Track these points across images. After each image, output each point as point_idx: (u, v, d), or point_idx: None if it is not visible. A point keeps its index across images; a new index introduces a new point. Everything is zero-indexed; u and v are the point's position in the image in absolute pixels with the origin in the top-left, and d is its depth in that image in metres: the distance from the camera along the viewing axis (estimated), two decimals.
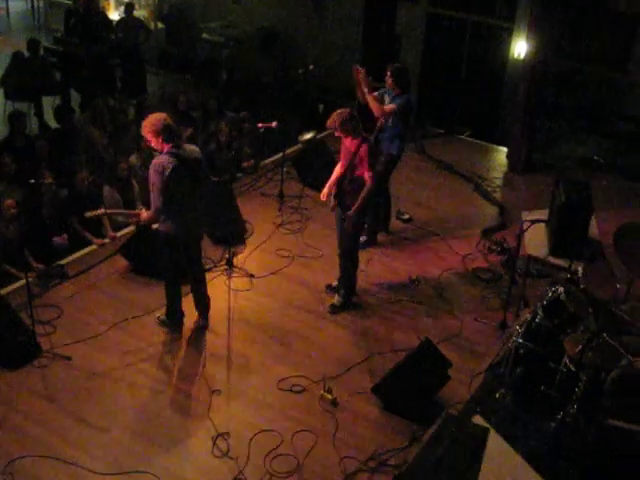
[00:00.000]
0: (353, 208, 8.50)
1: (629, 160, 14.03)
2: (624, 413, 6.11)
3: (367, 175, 8.45)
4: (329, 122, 8.52)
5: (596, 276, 7.82)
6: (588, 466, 6.26)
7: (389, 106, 9.80)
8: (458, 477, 5.09)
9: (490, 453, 5.72)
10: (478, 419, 6.90)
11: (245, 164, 12.39)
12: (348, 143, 8.55)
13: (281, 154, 11.73)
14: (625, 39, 15.47)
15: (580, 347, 6.43)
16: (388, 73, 9.81)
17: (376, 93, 9.89)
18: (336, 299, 9.18)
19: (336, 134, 8.66)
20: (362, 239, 10.07)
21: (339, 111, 8.50)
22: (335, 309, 9.12)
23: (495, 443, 6.08)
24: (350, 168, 8.54)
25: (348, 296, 9.14)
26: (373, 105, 9.65)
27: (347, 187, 8.60)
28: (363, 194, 8.46)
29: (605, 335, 6.78)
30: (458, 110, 16.34)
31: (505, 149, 14.08)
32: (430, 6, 16.23)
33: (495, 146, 14.66)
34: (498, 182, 13.11)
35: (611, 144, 14.69)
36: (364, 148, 8.40)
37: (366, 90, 9.56)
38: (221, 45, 17.60)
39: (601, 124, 15.33)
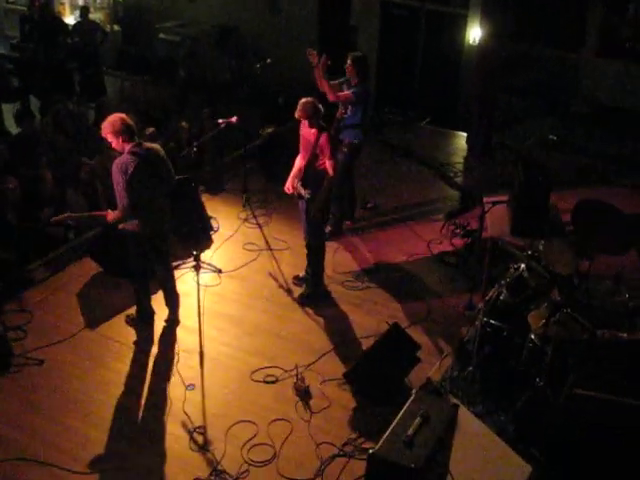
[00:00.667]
0: (317, 199, 8.59)
1: (587, 139, 14.28)
2: (589, 383, 6.26)
3: (328, 164, 8.55)
4: (299, 112, 8.58)
5: (557, 252, 7.94)
6: (555, 436, 6.40)
7: (345, 93, 9.89)
8: (430, 453, 5.20)
9: (461, 429, 5.83)
10: (448, 397, 7.04)
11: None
12: (307, 134, 8.64)
13: (243, 149, 11.78)
14: (578, 21, 15.70)
15: (543, 321, 6.57)
16: (349, 61, 9.88)
17: (335, 82, 9.99)
18: (304, 289, 9.28)
19: (307, 123, 8.66)
20: (327, 229, 10.19)
21: (307, 100, 8.55)
22: (304, 299, 9.21)
23: (466, 419, 6.21)
24: (312, 159, 8.63)
25: (316, 286, 9.24)
26: (328, 90, 9.72)
27: (310, 178, 8.68)
28: (326, 183, 8.56)
29: (568, 308, 6.92)
30: (417, 98, 16.49)
31: (465, 134, 14.22)
32: None
33: (455, 132, 14.82)
34: (459, 167, 13.26)
35: (568, 124, 14.91)
36: (324, 137, 8.50)
37: (322, 74, 9.63)
38: (178, 44, 17.59)
39: (558, 105, 15.54)
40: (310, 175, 8.68)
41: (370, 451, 5.21)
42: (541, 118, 14.96)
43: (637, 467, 6.01)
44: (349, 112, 9.98)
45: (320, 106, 8.57)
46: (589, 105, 15.43)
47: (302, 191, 8.70)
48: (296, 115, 8.65)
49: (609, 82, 15.39)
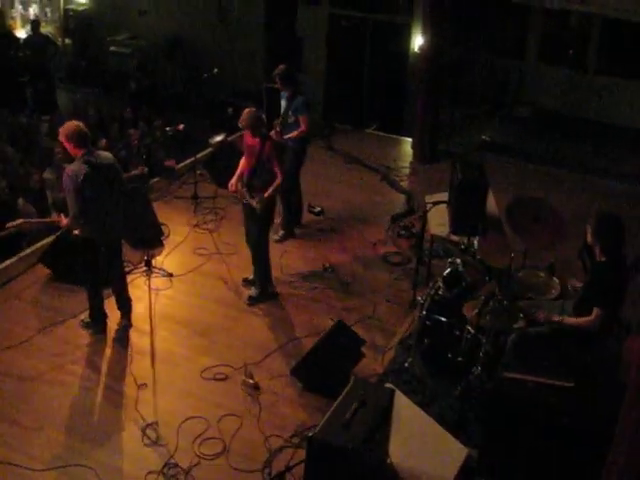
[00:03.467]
0: (266, 194, 8.89)
1: (528, 143, 14.71)
2: (520, 367, 6.59)
3: (277, 169, 8.91)
4: (242, 121, 8.94)
5: (491, 247, 8.29)
6: (490, 418, 6.72)
7: (303, 118, 10.32)
8: (367, 435, 5.49)
9: (398, 414, 6.15)
10: (386, 384, 7.32)
11: (167, 163, 12.76)
12: (250, 142, 8.98)
13: (193, 158, 12.05)
14: (519, 28, 16.16)
15: (476, 311, 6.90)
16: (277, 79, 10.30)
17: (278, 121, 10.45)
18: (252, 291, 9.54)
19: (245, 132, 9.05)
20: (280, 233, 10.71)
21: (250, 110, 8.95)
22: (252, 300, 9.48)
23: (402, 405, 6.50)
24: (258, 167, 8.95)
25: (263, 287, 9.51)
26: (299, 133, 10.33)
27: (257, 183, 8.99)
28: (275, 184, 8.92)
29: (501, 299, 7.27)
30: (364, 105, 16.83)
31: (410, 140, 14.56)
32: (331, 7, 16.69)
33: (401, 138, 15.15)
34: (405, 172, 13.61)
35: (512, 129, 15.35)
36: (268, 145, 8.85)
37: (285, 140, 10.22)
38: (128, 56, 17.83)
39: (502, 110, 15.98)
40: (257, 182, 9.00)
41: (309, 435, 5.50)
42: (484, 123, 15.37)
43: (567, 448, 6.33)
44: (291, 120, 10.33)
45: (262, 116, 8.94)
46: (531, 110, 15.88)
47: (251, 202, 8.97)
48: (239, 124, 9.02)
49: (551, 88, 15.87)
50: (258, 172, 8.99)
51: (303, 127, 10.27)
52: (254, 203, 8.94)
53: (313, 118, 10.61)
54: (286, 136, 10.33)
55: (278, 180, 8.95)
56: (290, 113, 10.33)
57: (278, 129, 10.35)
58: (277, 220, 10.65)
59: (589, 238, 7.07)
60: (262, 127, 8.96)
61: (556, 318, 7.07)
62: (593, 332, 6.96)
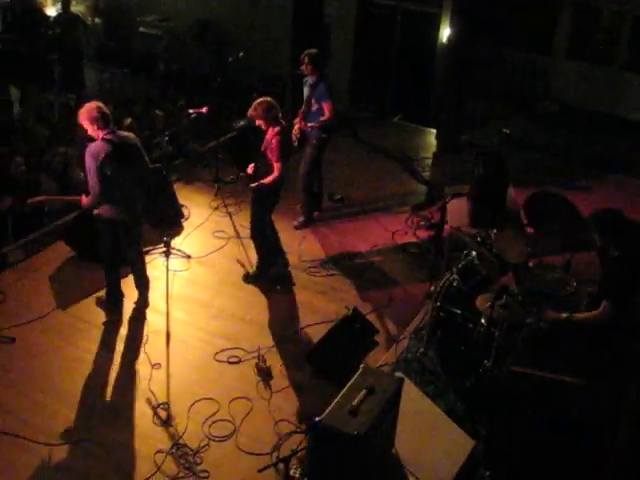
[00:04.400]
0: (255, 184, 8.99)
1: (551, 138, 14.62)
2: (529, 362, 6.59)
3: (275, 165, 8.88)
4: (251, 112, 8.94)
5: (508, 242, 8.27)
6: (496, 410, 6.74)
7: (325, 114, 10.27)
8: (374, 422, 5.51)
9: (406, 403, 6.16)
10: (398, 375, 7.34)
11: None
12: (268, 130, 8.97)
13: (216, 141, 12.07)
14: (548, 23, 16.03)
15: (489, 304, 6.90)
16: (306, 60, 10.19)
17: (303, 109, 10.45)
18: (252, 270, 9.64)
19: (257, 123, 9.04)
20: (299, 220, 10.77)
21: (259, 101, 8.90)
22: (248, 278, 9.59)
23: (411, 394, 6.52)
24: (263, 155, 9.00)
25: (261, 269, 9.57)
26: (322, 122, 10.27)
27: (261, 170, 9.06)
28: (269, 178, 8.92)
29: (516, 293, 7.26)
30: (390, 94, 16.77)
31: (434, 131, 14.53)
32: None
33: (425, 128, 15.12)
34: (428, 162, 13.57)
35: (536, 123, 15.26)
36: (275, 140, 8.80)
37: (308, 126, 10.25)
38: (157, 38, 17.85)
39: (527, 105, 15.88)
40: (260, 168, 9.06)
41: (316, 419, 5.52)
42: (509, 117, 15.28)
43: (572, 442, 6.34)
44: (314, 109, 10.32)
45: (274, 106, 8.86)
46: (558, 106, 15.78)
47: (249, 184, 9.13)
48: (248, 114, 9.01)
49: (578, 84, 15.75)
50: (262, 161, 9.04)
51: (327, 114, 10.24)
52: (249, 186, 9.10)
53: (337, 107, 10.55)
54: (309, 124, 10.31)
55: (273, 176, 8.92)
56: (313, 101, 10.32)
57: (301, 117, 10.36)
58: (297, 206, 10.72)
59: (598, 242, 7.02)
60: (273, 118, 8.86)
61: (564, 315, 7.04)
62: (602, 326, 6.90)
